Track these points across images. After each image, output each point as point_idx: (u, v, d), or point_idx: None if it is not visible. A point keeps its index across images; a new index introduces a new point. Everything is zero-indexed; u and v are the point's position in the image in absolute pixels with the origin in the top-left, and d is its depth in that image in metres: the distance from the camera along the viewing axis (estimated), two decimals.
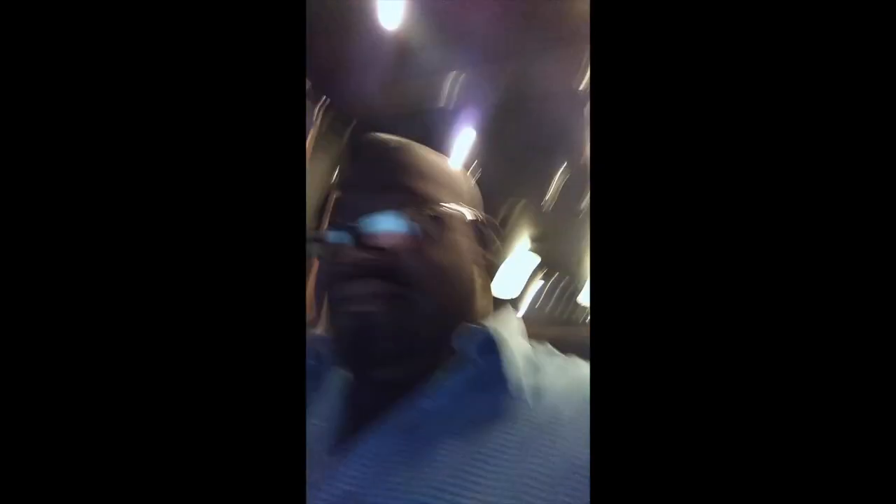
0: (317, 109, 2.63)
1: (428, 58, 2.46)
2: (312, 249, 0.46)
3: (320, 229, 0.47)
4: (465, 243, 0.46)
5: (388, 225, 0.42)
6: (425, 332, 0.42)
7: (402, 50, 2.48)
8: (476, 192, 0.52)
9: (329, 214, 0.46)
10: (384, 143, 0.48)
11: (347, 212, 0.44)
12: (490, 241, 0.50)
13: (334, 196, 0.47)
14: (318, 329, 0.51)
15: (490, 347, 0.43)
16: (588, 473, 0.31)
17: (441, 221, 0.44)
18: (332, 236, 0.45)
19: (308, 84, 2.53)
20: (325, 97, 2.65)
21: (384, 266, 0.41)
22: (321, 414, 0.45)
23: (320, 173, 2.75)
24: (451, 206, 0.46)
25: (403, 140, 0.49)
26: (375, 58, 2.54)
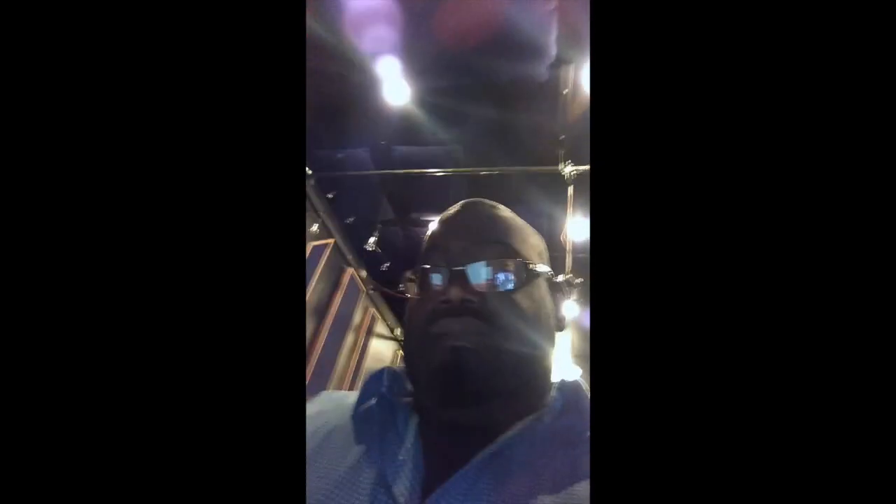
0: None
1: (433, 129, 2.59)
2: (407, 287, 0.50)
3: (416, 269, 0.50)
4: (545, 297, 0.50)
5: (483, 272, 0.46)
6: (510, 375, 0.44)
7: (401, 127, 2.62)
8: (546, 253, 0.56)
9: (426, 257, 0.50)
10: (483, 203, 0.54)
11: (447, 257, 0.48)
12: (561, 299, 0.54)
13: (430, 240, 0.52)
14: (398, 363, 0.53)
15: (580, 402, 0.45)
16: None
17: (528, 274, 0.48)
18: (433, 277, 0.48)
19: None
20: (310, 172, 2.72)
21: (479, 308, 0.44)
22: (398, 452, 0.43)
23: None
24: (535, 262, 0.50)
25: (497, 203, 0.55)
26: (373, 132, 2.65)
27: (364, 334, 3.26)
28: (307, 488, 0.40)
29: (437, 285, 0.47)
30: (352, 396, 0.51)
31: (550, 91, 2.35)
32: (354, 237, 3.16)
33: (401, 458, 0.42)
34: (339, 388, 3.00)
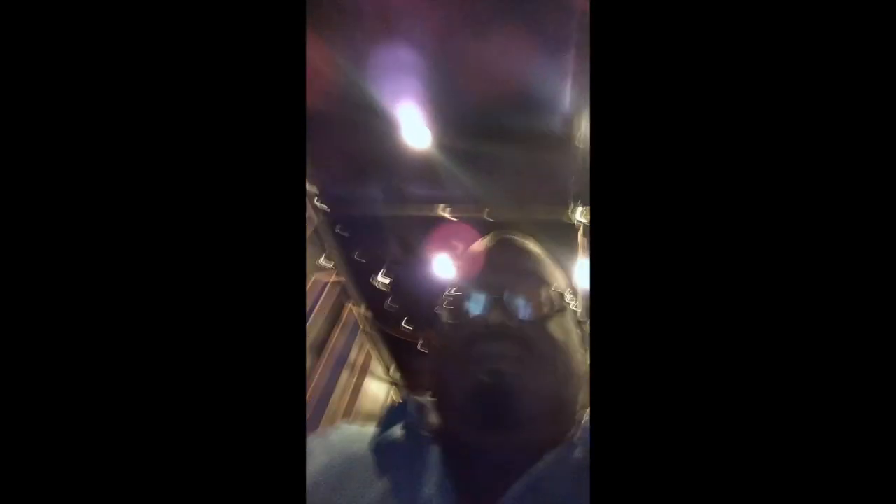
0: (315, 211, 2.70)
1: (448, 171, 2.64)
2: (442, 312, 0.51)
3: (450, 295, 0.51)
4: (573, 330, 0.52)
5: (521, 301, 0.48)
6: (544, 401, 0.45)
7: (418, 169, 2.68)
8: (570, 290, 0.58)
9: (462, 287, 0.51)
10: (515, 238, 0.57)
11: (485, 287, 0.49)
12: (586, 335, 0.55)
13: (464, 270, 0.54)
14: (426, 395, 0.53)
15: None
16: None
17: (560, 306, 0.50)
18: (471, 305, 0.49)
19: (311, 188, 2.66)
20: (325, 207, 2.75)
21: (518, 334, 0.45)
22: (426, 486, 0.42)
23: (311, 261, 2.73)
24: (568, 297, 0.52)
25: (527, 237, 0.58)
26: (389, 173, 2.71)
27: (359, 373, 3.18)
28: None
29: (476, 313, 0.48)
30: (367, 429, 0.51)
31: (565, 142, 2.37)
32: (360, 273, 3.15)
33: (428, 492, 0.41)
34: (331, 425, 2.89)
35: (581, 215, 2.73)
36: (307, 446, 0.49)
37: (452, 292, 0.51)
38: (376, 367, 3.48)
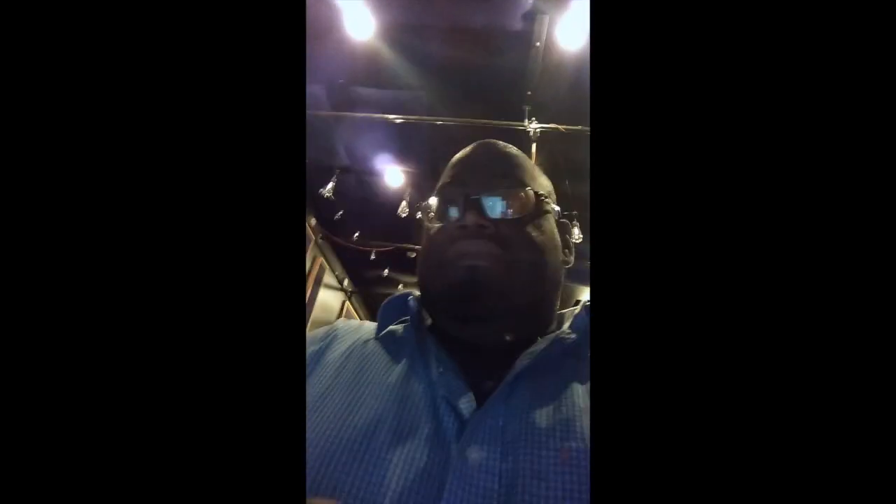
0: None
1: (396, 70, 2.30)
2: (424, 216, 0.54)
3: (430, 201, 0.53)
4: (554, 231, 0.53)
5: (497, 202, 0.49)
6: (520, 295, 0.47)
7: (363, 65, 2.34)
8: (554, 195, 0.58)
9: (443, 191, 0.53)
10: (496, 142, 0.56)
11: (464, 190, 0.50)
12: (568, 237, 0.57)
13: (446, 176, 0.54)
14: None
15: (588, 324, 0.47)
16: None
17: (538, 207, 0.51)
18: (450, 208, 0.51)
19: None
20: None
21: (493, 233, 0.47)
22: (437, 368, 0.44)
23: None
24: (545, 198, 0.53)
25: (509, 144, 0.57)
26: (332, 68, 2.39)
27: (312, 284, 2.49)
28: (355, 399, 0.42)
29: (454, 216, 0.50)
30: (366, 324, 0.55)
31: (522, 42, 2.13)
32: (309, 184, 2.69)
33: (441, 371, 0.43)
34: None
35: (535, 124, 2.48)
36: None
37: (433, 197, 0.52)
38: (329, 278, 2.70)
